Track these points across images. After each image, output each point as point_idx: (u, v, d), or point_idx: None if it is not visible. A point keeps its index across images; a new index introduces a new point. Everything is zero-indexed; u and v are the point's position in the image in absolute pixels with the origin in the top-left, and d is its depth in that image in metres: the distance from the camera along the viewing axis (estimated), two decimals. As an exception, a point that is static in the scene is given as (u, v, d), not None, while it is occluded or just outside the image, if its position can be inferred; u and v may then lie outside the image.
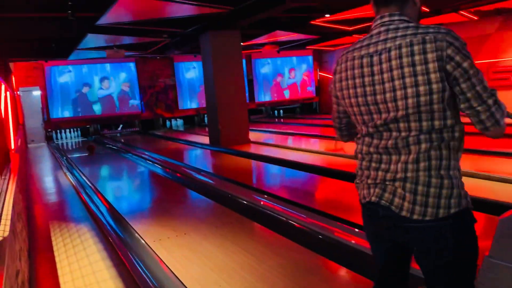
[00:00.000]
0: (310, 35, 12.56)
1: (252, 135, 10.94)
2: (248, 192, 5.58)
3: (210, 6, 7.22)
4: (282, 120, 17.17)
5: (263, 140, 10.86)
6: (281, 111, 19.10)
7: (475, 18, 11.09)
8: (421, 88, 1.43)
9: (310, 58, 18.69)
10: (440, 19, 11.07)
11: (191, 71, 16.72)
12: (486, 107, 1.45)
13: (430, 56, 1.41)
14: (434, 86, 1.42)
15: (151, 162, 9.06)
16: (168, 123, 17.06)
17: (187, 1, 6.55)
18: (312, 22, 10.10)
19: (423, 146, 1.46)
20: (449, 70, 1.41)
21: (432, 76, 1.41)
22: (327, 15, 9.35)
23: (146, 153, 10.23)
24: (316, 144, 9.97)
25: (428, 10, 9.37)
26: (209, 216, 4.81)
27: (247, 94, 15.54)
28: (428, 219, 1.46)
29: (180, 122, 17.23)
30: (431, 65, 1.41)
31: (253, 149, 9.66)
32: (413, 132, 1.47)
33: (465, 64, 1.41)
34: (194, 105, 16.88)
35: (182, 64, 16.54)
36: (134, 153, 10.49)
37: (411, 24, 1.50)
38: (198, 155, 10.42)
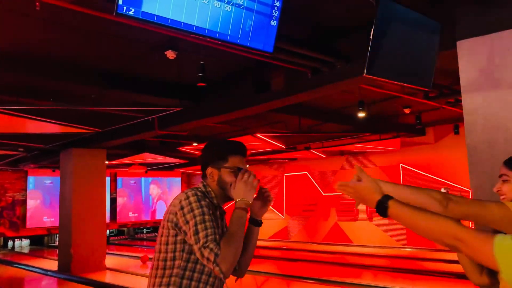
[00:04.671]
0: (179, 159, 12.88)
1: (110, 261, 10.09)
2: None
3: (75, 126, 7.06)
4: (145, 243, 16.33)
5: (121, 267, 10.05)
6: (145, 232, 18.25)
7: (323, 156, 12.75)
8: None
9: (179, 180, 18.88)
10: (295, 154, 12.45)
11: (46, 187, 15.41)
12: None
13: (171, 209, 1.82)
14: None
15: (-22, 294, 7.59)
16: (10, 243, 14.89)
17: (51, 121, 6.33)
18: (180, 148, 10.46)
19: None
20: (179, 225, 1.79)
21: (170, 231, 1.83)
22: (195, 144, 9.82)
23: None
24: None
25: (284, 147, 10.51)
26: None
27: (108, 214, 14.69)
28: None
29: (25, 242, 15.18)
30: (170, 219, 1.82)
31: (109, 278, 8.83)
32: None
33: (184, 228, 1.77)
34: (45, 224, 15.21)
35: (37, 178, 15.21)
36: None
37: (196, 187, 1.90)
38: (41, 284, 9.09)
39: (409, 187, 1.73)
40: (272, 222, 14.88)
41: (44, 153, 10.86)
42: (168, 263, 1.81)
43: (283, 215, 14.82)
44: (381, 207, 1.34)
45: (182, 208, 1.77)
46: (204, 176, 1.94)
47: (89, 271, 9.10)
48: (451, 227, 1.18)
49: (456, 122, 9.49)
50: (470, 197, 9.55)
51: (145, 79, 5.76)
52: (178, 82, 5.92)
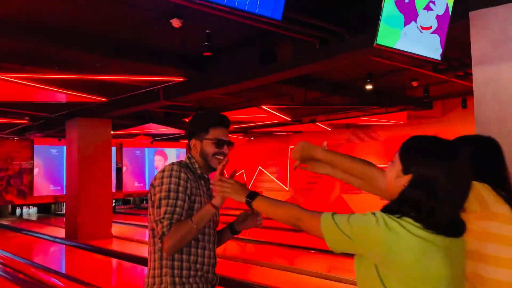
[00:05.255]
0: (184, 130, 12.89)
1: (116, 229, 10.27)
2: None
3: (81, 96, 7.04)
4: (150, 212, 16.53)
5: (127, 235, 10.24)
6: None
7: (329, 129, 12.71)
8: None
9: (184, 151, 18.96)
10: (300, 127, 12.42)
11: (53, 156, 15.53)
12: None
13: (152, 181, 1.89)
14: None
15: (-12, 259, 7.78)
16: (18, 210, 15.17)
17: (56, 89, 6.31)
18: (185, 119, 10.44)
19: None
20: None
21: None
22: (200, 115, 9.79)
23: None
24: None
25: (290, 119, 10.47)
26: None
27: (114, 183, 14.83)
28: None
29: (33, 210, 15.45)
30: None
31: (115, 245, 9.01)
32: None
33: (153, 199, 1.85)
34: (52, 192, 15.42)
35: (44, 148, 15.32)
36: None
37: (180, 160, 1.96)
38: (49, 251, 9.31)
39: (350, 158, 1.84)
40: (276, 194, 15.01)
41: (50, 122, 10.89)
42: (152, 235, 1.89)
43: (287, 187, 14.93)
44: (247, 203, 1.66)
45: (155, 180, 1.85)
46: (189, 148, 2.01)
47: (96, 238, 9.28)
48: (294, 211, 1.51)
49: (464, 96, 9.38)
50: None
51: (150, 48, 5.68)
52: (183, 52, 5.85)
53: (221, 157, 1.94)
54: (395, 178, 1.38)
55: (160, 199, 1.80)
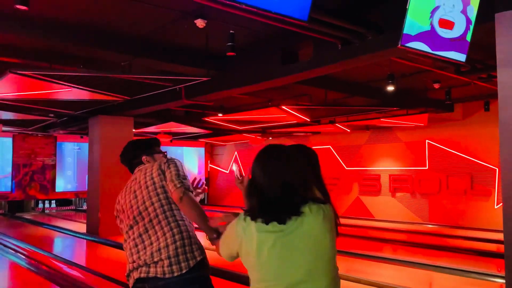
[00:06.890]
0: (203, 130, 13.01)
1: (135, 225, 10.42)
2: (124, 292, 5.19)
3: (104, 93, 7.19)
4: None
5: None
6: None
7: (348, 130, 12.66)
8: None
9: (202, 150, 19.10)
10: (319, 128, 12.40)
11: (75, 152, 15.85)
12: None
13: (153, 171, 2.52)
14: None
15: (12, 251, 8.01)
16: (41, 205, 15.53)
17: (80, 87, 6.46)
18: (205, 119, 10.54)
19: None
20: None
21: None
22: (220, 115, 9.89)
23: (7, 239, 9.05)
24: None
25: (309, 120, 10.47)
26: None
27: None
28: None
29: (54, 205, 15.80)
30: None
31: (134, 241, 9.14)
32: None
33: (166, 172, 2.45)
34: (73, 188, 15.74)
35: (66, 144, 15.65)
36: (-6, 240, 9.21)
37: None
38: (71, 245, 9.51)
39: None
40: (294, 194, 14.96)
41: (73, 120, 11.14)
42: (169, 208, 2.39)
43: (304, 188, 14.88)
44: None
45: (167, 161, 2.48)
46: (141, 162, 2.69)
47: (116, 234, 9.44)
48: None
49: (486, 99, 9.24)
50: (497, 176, 9.32)
51: (174, 47, 5.79)
52: (206, 51, 5.93)
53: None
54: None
55: (176, 170, 2.44)
